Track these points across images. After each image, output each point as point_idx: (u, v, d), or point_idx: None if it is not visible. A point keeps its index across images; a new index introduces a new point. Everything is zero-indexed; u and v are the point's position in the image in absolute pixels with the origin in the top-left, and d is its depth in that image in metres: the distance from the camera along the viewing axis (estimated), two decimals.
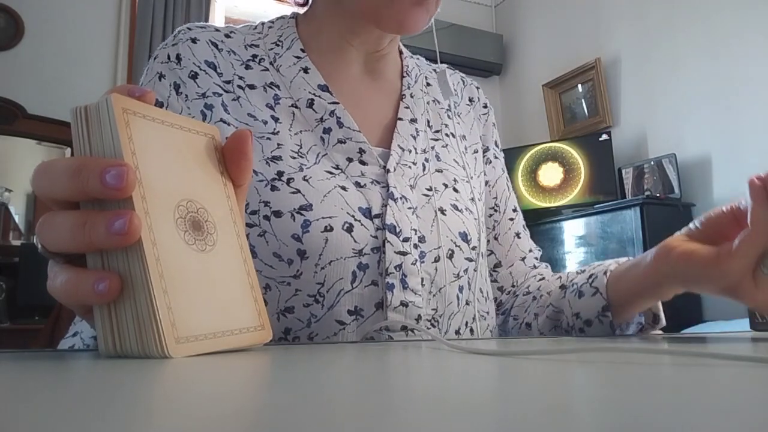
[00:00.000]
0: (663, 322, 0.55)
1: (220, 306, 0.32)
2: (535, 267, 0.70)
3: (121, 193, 0.27)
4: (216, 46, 0.59)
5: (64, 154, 2.65)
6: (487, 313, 0.62)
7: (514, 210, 0.71)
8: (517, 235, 0.70)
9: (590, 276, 0.55)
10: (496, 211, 0.69)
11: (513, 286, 0.69)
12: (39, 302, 2.07)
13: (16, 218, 2.57)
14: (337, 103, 0.57)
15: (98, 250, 0.29)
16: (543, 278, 0.66)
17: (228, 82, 0.57)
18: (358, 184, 0.54)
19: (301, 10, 0.65)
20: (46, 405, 0.15)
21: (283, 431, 0.12)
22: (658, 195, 2.60)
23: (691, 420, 0.13)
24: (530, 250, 0.70)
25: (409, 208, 0.55)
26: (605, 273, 0.54)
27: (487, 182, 0.70)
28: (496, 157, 0.72)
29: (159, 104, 0.55)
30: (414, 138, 0.61)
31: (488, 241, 0.68)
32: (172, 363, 0.26)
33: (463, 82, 0.74)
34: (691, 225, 0.47)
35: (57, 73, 2.66)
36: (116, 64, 2.81)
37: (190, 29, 0.59)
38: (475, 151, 0.68)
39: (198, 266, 0.31)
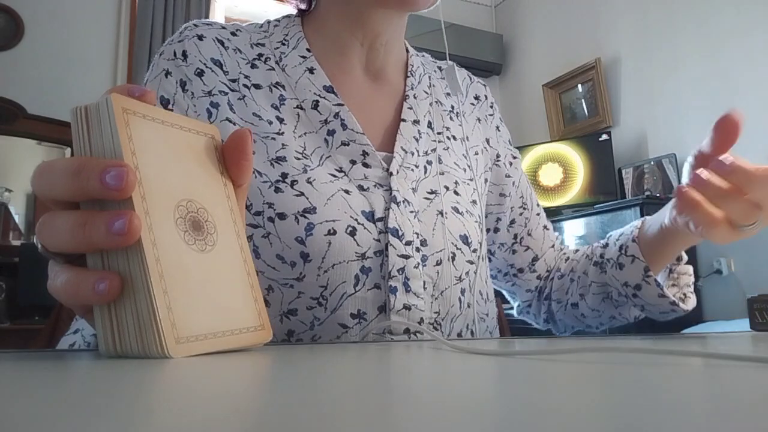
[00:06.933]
0: (685, 257, 0.63)
1: (220, 306, 0.32)
2: (560, 249, 0.76)
3: (120, 194, 0.27)
4: (222, 43, 0.58)
5: (64, 154, 2.65)
6: (487, 315, 0.62)
7: (538, 205, 0.76)
8: (545, 227, 0.75)
9: (621, 247, 0.62)
10: (525, 209, 0.73)
11: (547, 272, 0.74)
12: (39, 302, 2.07)
13: (16, 218, 2.57)
14: (342, 104, 0.57)
15: (98, 250, 0.29)
16: (568, 258, 0.73)
17: (234, 81, 0.57)
18: (361, 188, 0.54)
19: (303, 5, 0.65)
20: (46, 405, 0.15)
21: (283, 431, 0.12)
22: (658, 195, 2.60)
23: (691, 420, 0.13)
24: (556, 237, 0.77)
25: (411, 211, 0.55)
26: (633, 240, 0.61)
27: (514, 183, 0.72)
28: (515, 157, 0.74)
29: (166, 101, 0.55)
30: (417, 140, 0.60)
31: (522, 237, 0.72)
32: (172, 363, 0.26)
33: (470, 78, 0.74)
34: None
35: (57, 73, 2.66)
36: (116, 64, 2.81)
37: (196, 26, 0.59)
38: (477, 153, 0.68)
39: (198, 266, 0.31)
